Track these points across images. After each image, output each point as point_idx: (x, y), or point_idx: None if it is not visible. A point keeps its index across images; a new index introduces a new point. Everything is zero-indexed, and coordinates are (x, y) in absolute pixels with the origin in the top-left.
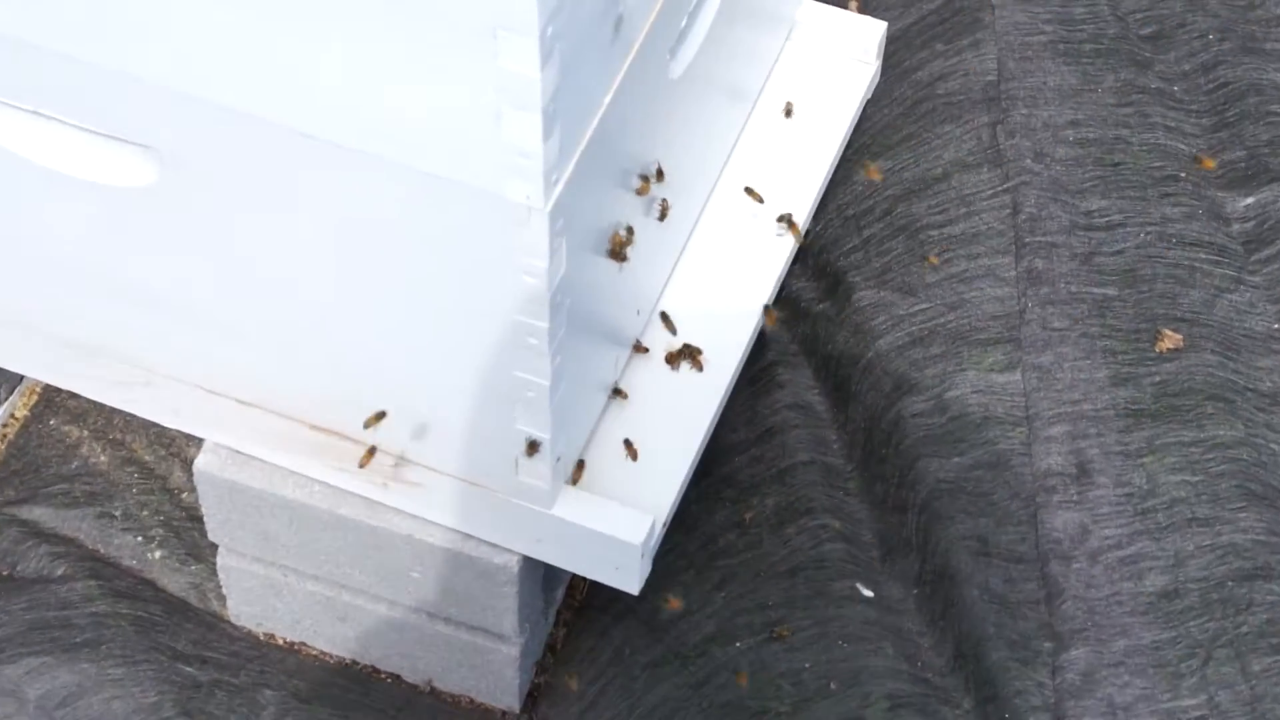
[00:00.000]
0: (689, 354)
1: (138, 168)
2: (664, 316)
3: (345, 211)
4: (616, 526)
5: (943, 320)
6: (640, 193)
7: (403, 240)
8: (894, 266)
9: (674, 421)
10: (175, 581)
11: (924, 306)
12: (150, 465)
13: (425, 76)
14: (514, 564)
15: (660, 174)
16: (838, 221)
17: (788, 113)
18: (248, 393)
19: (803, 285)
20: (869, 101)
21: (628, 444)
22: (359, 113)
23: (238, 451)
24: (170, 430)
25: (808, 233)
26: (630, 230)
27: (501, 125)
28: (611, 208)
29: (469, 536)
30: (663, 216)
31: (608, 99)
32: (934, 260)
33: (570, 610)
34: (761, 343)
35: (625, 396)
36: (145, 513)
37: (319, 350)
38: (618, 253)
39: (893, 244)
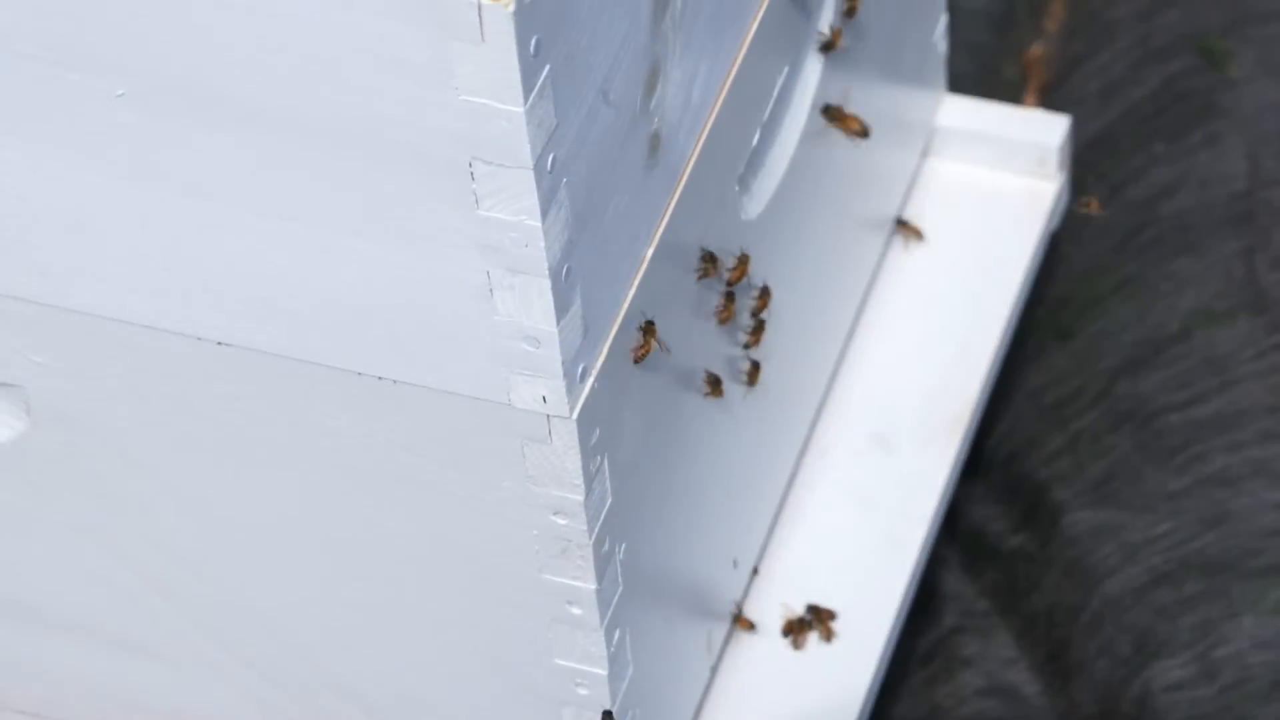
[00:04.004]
0: (816, 620)
1: None
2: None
3: (288, 447)
4: None
5: (1199, 545)
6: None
7: (371, 481)
8: (1119, 472)
9: None
10: None
11: (1169, 527)
12: None
13: (375, 240)
14: None
15: (755, 370)
16: (1031, 414)
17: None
18: None
19: (988, 511)
20: (1058, 234)
21: None
22: (291, 305)
23: None
24: None
25: (985, 434)
26: (718, 381)
27: (495, 301)
28: (672, 400)
29: None
30: (751, 380)
31: (650, 251)
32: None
33: None
34: (932, 597)
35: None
36: None
37: (272, 663)
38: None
39: (1114, 439)
